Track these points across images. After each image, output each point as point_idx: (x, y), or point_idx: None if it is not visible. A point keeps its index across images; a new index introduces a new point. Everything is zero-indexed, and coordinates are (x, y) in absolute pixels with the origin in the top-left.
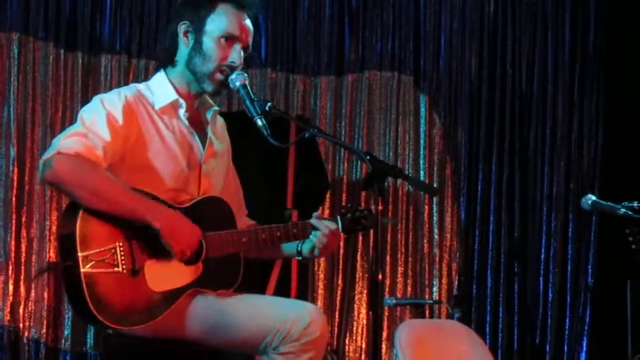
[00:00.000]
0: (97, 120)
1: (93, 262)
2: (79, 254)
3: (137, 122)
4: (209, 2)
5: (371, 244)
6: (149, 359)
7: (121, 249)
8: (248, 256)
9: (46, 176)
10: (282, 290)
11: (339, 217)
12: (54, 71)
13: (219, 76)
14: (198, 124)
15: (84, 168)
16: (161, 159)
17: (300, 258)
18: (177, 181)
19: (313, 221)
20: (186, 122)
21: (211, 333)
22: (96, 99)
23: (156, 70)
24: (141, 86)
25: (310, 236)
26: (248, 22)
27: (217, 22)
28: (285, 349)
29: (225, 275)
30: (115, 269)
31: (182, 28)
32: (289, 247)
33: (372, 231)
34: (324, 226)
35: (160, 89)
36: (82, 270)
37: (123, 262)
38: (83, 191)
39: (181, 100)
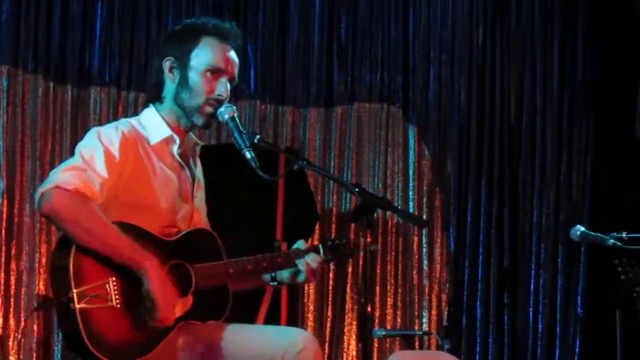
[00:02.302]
0: (95, 155)
1: (88, 298)
2: (74, 290)
3: (132, 158)
4: (193, 36)
5: (360, 275)
6: None
7: (114, 283)
8: (233, 289)
9: (43, 209)
10: (272, 322)
11: (320, 246)
12: (43, 104)
13: (208, 109)
14: (186, 158)
15: (81, 205)
16: (156, 195)
17: (275, 284)
18: (170, 216)
19: (297, 249)
20: (178, 157)
21: None
22: (93, 134)
23: (144, 105)
24: (133, 121)
25: (297, 263)
26: (233, 54)
27: (202, 56)
28: None
29: (214, 306)
30: (109, 303)
31: (167, 64)
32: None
33: (361, 263)
34: (308, 255)
35: (153, 124)
36: (77, 306)
37: (116, 296)
38: (77, 228)
39: (175, 136)
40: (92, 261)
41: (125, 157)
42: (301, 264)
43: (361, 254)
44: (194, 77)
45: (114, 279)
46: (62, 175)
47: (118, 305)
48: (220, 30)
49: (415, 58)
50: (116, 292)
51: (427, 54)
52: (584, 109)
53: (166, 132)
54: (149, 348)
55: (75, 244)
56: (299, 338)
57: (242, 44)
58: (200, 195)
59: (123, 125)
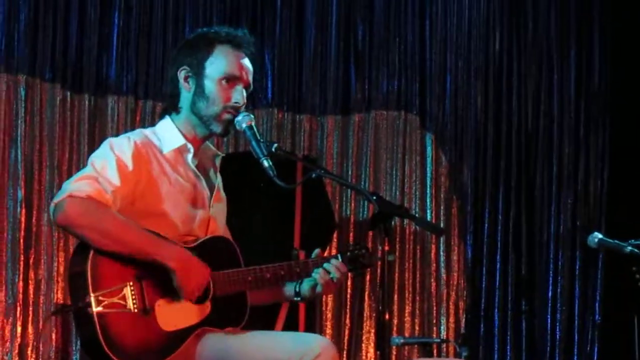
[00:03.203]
0: (107, 165)
1: (105, 302)
2: (92, 294)
3: (146, 167)
4: (206, 45)
5: (378, 282)
6: None
7: (132, 288)
8: (252, 303)
9: (57, 219)
10: (290, 330)
11: (339, 255)
12: (60, 113)
13: (226, 116)
14: (203, 168)
15: (95, 211)
16: (171, 203)
17: (298, 299)
18: (186, 225)
19: (316, 258)
20: (193, 166)
21: None
22: (105, 145)
23: (161, 116)
24: (147, 131)
25: (313, 274)
26: (247, 61)
27: (217, 64)
28: None
29: (232, 313)
30: (127, 308)
31: (182, 74)
32: (287, 290)
33: (378, 271)
34: (327, 263)
35: (167, 134)
36: (94, 310)
37: (134, 301)
38: (95, 233)
39: (189, 145)
40: (110, 266)
41: (139, 166)
42: (317, 273)
43: (379, 262)
44: (210, 85)
45: (131, 283)
46: (74, 185)
47: (136, 310)
48: (233, 37)
49: (432, 65)
50: (134, 297)
51: (444, 61)
52: (601, 114)
53: (179, 141)
54: (166, 354)
55: (93, 249)
56: (316, 344)
57: (256, 51)
58: (218, 206)
59: (136, 135)
